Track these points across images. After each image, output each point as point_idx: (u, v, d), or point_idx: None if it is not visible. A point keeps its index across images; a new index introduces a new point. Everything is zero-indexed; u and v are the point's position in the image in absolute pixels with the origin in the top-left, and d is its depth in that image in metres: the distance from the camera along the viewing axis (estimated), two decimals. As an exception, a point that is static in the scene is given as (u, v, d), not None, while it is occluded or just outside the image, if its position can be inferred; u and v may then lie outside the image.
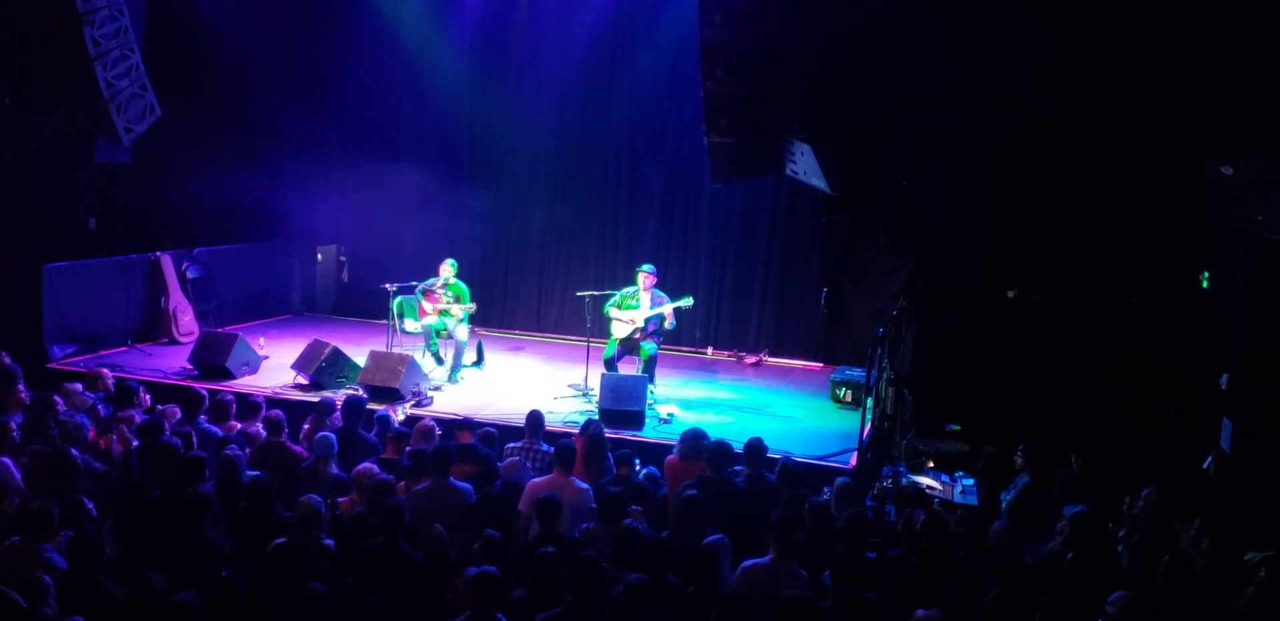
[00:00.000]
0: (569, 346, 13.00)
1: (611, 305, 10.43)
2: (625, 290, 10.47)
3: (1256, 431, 7.61)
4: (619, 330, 10.36)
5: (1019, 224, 11.39)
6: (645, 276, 10.33)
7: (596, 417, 9.21)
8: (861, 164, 8.18)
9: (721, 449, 7.20)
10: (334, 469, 7.18)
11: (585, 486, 7.00)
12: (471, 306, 10.84)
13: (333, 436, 7.40)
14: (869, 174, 8.33)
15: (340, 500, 6.62)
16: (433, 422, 7.95)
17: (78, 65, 9.86)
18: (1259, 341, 7.53)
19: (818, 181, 8.27)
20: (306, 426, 8.35)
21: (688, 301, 10.30)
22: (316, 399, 8.94)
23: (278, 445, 7.60)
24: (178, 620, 4.72)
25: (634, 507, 6.36)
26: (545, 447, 7.74)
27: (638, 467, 7.56)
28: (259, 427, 7.91)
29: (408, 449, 7.61)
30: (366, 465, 6.86)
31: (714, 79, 8.13)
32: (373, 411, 8.54)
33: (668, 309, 10.20)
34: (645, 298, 10.34)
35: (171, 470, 6.59)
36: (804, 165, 8.31)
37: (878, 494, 7.83)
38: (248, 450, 7.47)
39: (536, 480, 6.99)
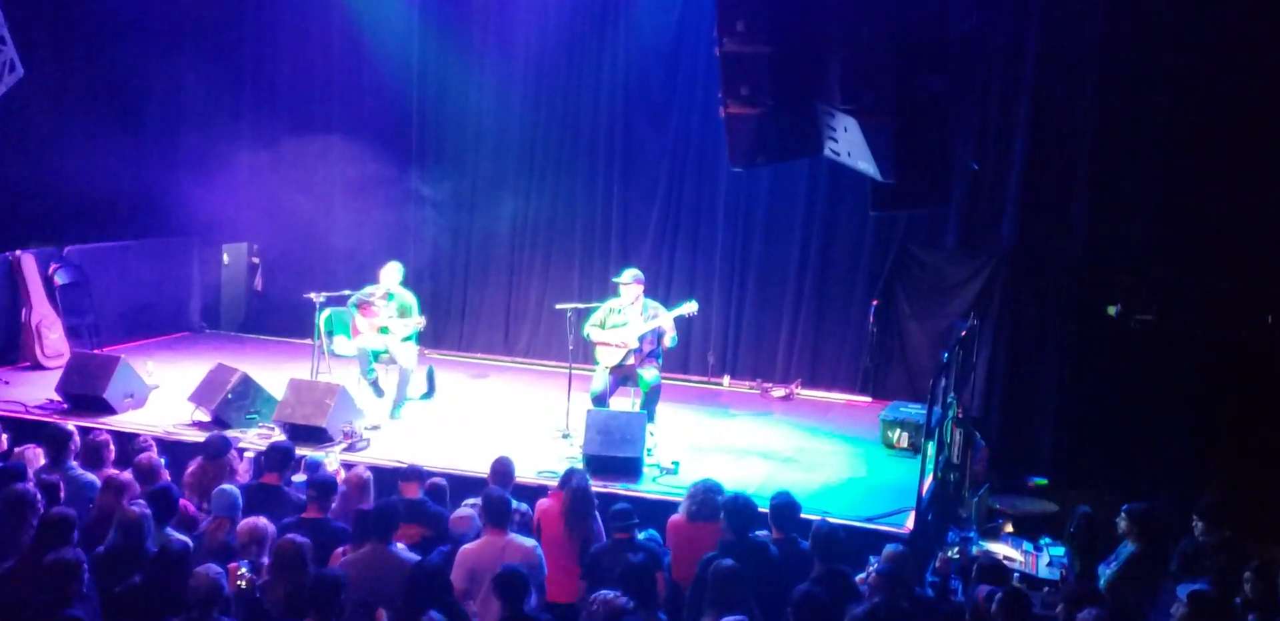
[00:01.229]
0: (546, 373, 13.00)
1: (592, 325, 10.41)
2: (608, 304, 10.47)
3: None
4: (607, 357, 10.35)
5: (1124, 223, 11.41)
6: (629, 286, 10.32)
7: (580, 466, 9.20)
8: (922, 143, 8.17)
9: (742, 505, 7.19)
10: (233, 534, 7.16)
11: (531, 543, 7.03)
12: (420, 321, 10.83)
13: (235, 491, 7.38)
14: (932, 156, 8.32)
15: (232, 565, 6.62)
16: (368, 473, 7.92)
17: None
18: None
19: (866, 166, 8.27)
20: (190, 473, 8.31)
21: (691, 307, 10.31)
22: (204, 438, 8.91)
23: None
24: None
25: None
26: (515, 505, 7.70)
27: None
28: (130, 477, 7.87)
29: (334, 505, 7.58)
30: (254, 519, 6.84)
31: (733, 34, 8.11)
32: (300, 461, 8.53)
33: (667, 319, 10.19)
34: (634, 311, 10.32)
35: (33, 531, 6.58)
36: (848, 145, 8.31)
37: (940, 566, 7.80)
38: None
39: (468, 545, 7.01)
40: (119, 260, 13.67)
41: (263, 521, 6.84)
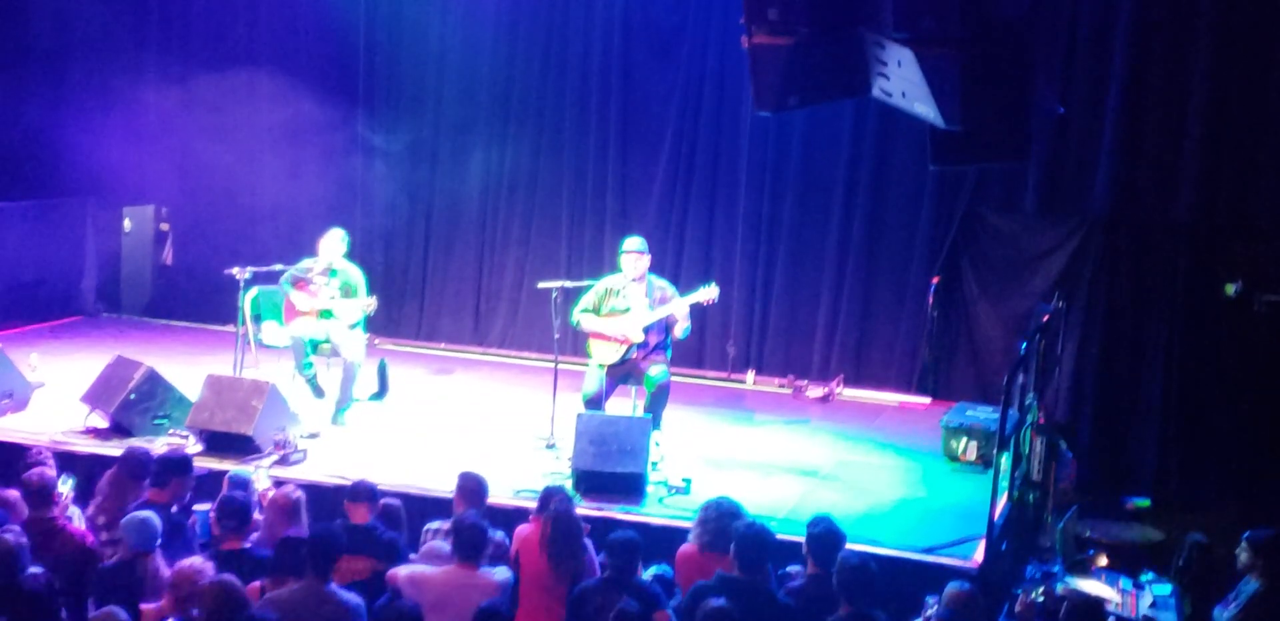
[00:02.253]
0: (526, 369, 13.01)
1: (585, 309, 10.37)
2: (604, 282, 10.44)
3: None
4: (604, 353, 10.32)
5: (1244, 182, 11.38)
6: (632, 258, 10.28)
7: (566, 484, 9.19)
8: (995, 82, 8.17)
9: (754, 535, 7.17)
10: (162, 567, 7.16)
11: (502, 576, 7.09)
12: (370, 303, 10.80)
13: (153, 520, 7.36)
14: (1007, 98, 8.31)
15: (145, 607, 6.59)
16: (299, 492, 7.93)
17: None
18: None
19: (924, 109, 8.26)
20: (99, 498, 8.31)
21: (710, 293, 10.29)
22: (120, 450, 8.91)
23: (47, 523, 7.57)
24: None
25: None
26: (490, 533, 7.72)
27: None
28: (17, 496, 7.89)
29: (255, 533, 7.59)
30: (193, 561, 6.83)
31: (760, -57, 8.12)
32: (214, 475, 8.52)
33: (680, 307, 10.16)
34: (637, 291, 10.30)
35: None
36: (903, 83, 8.30)
37: (1021, 611, 7.81)
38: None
39: (429, 571, 7.06)
40: (-7, 227, 13.68)
41: (203, 563, 6.80)
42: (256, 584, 6.89)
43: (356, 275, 11.02)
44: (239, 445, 9.75)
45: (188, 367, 11.23)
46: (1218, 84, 11.34)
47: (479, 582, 7.00)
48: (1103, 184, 11.76)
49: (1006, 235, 12.31)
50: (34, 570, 6.90)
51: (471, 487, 8.04)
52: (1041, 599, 8.05)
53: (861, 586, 6.86)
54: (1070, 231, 11.96)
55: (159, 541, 7.27)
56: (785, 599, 7.06)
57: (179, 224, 14.86)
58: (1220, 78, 11.32)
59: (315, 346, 11.01)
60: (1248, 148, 11.35)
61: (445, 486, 8.52)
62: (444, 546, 7.48)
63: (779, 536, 7.59)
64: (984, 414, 10.89)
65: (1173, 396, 11.63)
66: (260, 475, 8.98)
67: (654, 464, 9.78)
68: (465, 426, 11.10)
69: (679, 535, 8.18)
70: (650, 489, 9.52)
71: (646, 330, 10.21)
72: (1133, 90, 11.59)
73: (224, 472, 8.73)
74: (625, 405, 10.62)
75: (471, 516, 7.33)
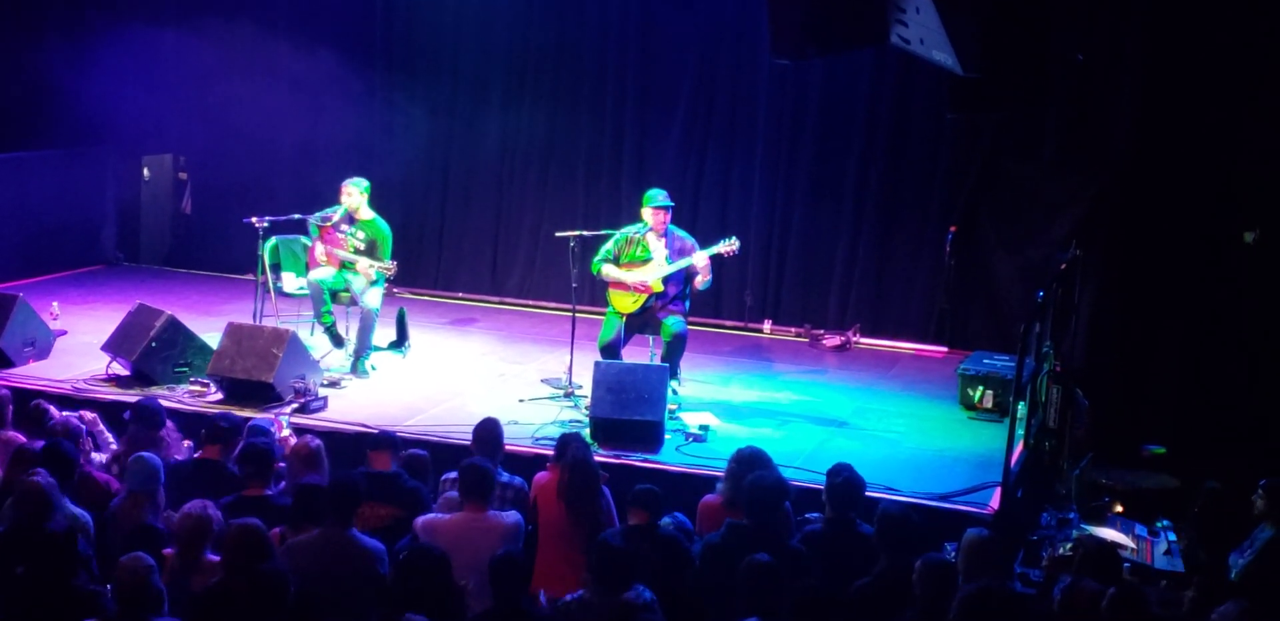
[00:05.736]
0: (544, 318, 13.04)
1: (605, 257, 10.38)
2: (626, 232, 10.43)
3: None
4: (623, 302, 10.33)
5: (1265, 128, 11.32)
6: (654, 212, 10.27)
7: (583, 432, 9.23)
8: (1013, 28, 8.12)
9: (768, 485, 7.13)
10: (154, 513, 7.21)
11: (511, 521, 7.11)
12: (390, 267, 10.73)
13: (154, 459, 7.40)
14: (1025, 45, 8.27)
15: (167, 552, 6.64)
16: (317, 441, 7.98)
17: None
18: None
19: (942, 56, 8.22)
20: (115, 447, 8.36)
21: (731, 245, 10.28)
22: (136, 398, 8.95)
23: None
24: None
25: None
26: (508, 478, 7.78)
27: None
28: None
29: (282, 481, 7.65)
30: (199, 505, 6.85)
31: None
32: (236, 422, 8.57)
33: (701, 258, 10.15)
34: (658, 243, 10.29)
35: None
36: (921, 30, 8.25)
37: (1049, 565, 7.82)
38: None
39: (442, 519, 7.09)
40: (12, 176, 13.68)
41: (209, 507, 6.82)
42: (277, 530, 6.94)
43: (383, 231, 10.96)
44: (260, 393, 9.81)
45: (208, 316, 11.27)
46: (1240, 30, 11.24)
47: (489, 525, 7.03)
48: (1121, 132, 11.70)
49: (1024, 184, 12.25)
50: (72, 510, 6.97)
51: (485, 435, 8.05)
52: (1056, 544, 8.09)
53: (904, 536, 6.87)
54: (1088, 180, 11.89)
55: (160, 481, 7.31)
56: (797, 545, 7.08)
57: (197, 173, 14.85)
58: (1242, 24, 11.22)
59: (334, 295, 11.03)
60: (1269, 94, 11.27)
61: (464, 434, 8.55)
62: (456, 495, 7.52)
63: (796, 483, 7.64)
64: (1001, 362, 10.91)
65: (1190, 345, 11.61)
66: (282, 424, 9.03)
67: (672, 412, 9.81)
68: (484, 375, 11.15)
69: (697, 483, 8.22)
70: (668, 437, 9.55)
71: (665, 281, 10.22)
72: (1152, 36, 11.50)
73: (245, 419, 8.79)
74: (642, 354, 10.64)
75: (476, 460, 7.38)
